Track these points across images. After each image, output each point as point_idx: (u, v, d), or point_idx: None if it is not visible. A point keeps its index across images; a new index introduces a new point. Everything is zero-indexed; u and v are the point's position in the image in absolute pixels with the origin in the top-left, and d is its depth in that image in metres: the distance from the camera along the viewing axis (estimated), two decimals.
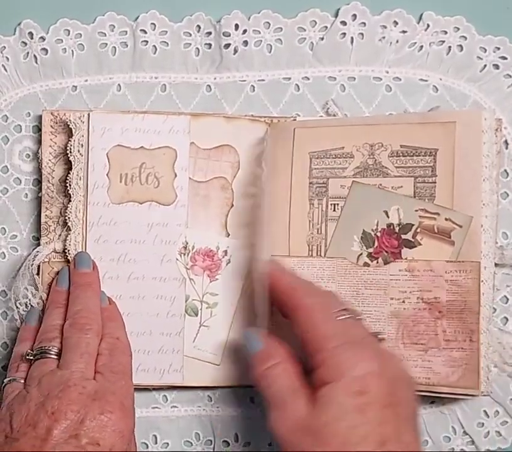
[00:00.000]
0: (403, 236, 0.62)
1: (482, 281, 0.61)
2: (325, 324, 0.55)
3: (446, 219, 0.61)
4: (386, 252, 0.63)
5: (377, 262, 0.63)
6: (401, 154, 0.63)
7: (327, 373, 0.52)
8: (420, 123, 0.62)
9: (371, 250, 0.63)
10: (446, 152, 0.61)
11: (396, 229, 0.63)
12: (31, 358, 0.59)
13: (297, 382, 0.54)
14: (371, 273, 0.64)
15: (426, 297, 0.63)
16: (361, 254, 0.64)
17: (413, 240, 0.62)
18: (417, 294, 0.63)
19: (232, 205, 0.65)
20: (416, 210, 0.62)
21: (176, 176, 0.64)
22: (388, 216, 0.63)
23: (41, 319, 0.63)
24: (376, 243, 0.63)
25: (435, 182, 0.62)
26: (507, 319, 0.67)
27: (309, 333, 0.55)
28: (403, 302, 0.63)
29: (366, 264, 0.63)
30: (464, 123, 0.61)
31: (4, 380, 0.59)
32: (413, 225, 0.62)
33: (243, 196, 0.66)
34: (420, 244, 0.62)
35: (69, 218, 0.63)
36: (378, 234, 0.63)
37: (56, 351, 0.58)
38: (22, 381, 0.58)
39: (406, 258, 0.62)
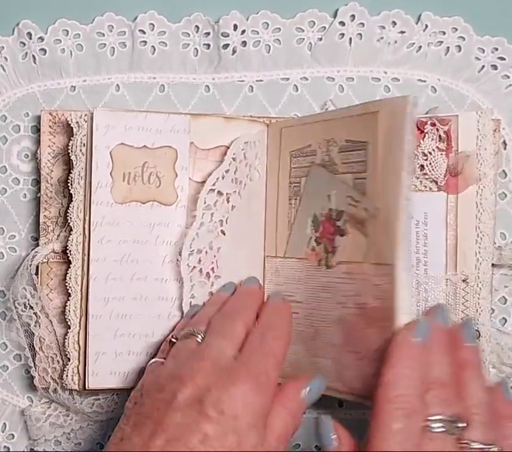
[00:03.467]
0: (337, 223, 0.58)
1: (400, 285, 0.53)
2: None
3: (364, 208, 0.56)
4: (327, 238, 0.60)
5: (317, 249, 0.61)
6: (345, 149, 0.59)
7: None
8: (358, 115, 0.58)
9: (317, 234, 0.61)
10: (373, 145, 0.56)
11: (333, 215, 0.59)
12: (175, 340, 0.58)
13: None
14: (324, 275, 0.60)
15: (359, 302, 0.56)
16: (311, 238, 0.61)
17: (343, 227, 0.58)
18: (352, 298, 0.57)
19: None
20: (347, 197, 0.58)
21: (176, 176, 0.64)
22: (329, 201, 0.60)
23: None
24: (321, 228, 0.60)
25: (365, 178, 0.57)
26: (505, 320, 0.67)
27: None
28: (344, 306, 0.58)
29: (313, 249, 0.61)
30: (387, 113, 0.55)
31: (150, 361, 0.59)
32: (343, 211, 0.58)
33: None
34: (348, 233, 0.57)
35: (70, 218, 0.63)
36: (323, 218, 0.60)
37: (201, 336, 0.57)
38: (163, 360, 0.57)
39: (338, 246, 0.58)
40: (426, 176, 0.62)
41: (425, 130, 0.62)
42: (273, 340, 0.57)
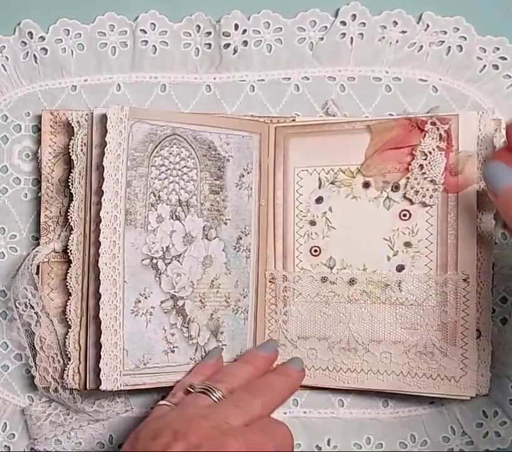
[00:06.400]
0: None
1: None
2: None
3: None
4: None
5: None
6: None
7: None
8: None
9: None
10: None
11: None
12: (192, 390, 0.59)
13: None
14: None
15: None
16: None
17: None
18: None
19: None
20: None
21: None
22: None
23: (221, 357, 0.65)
24: None
25: None
26: (506, 320, 0.66)
27: None
28: None
29: None
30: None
31: (160, 402, 0.60)
32: None
33: None
34: None
35: (71, 217, 0.63)
36: None
37: (219, 395, 0.58)
38: (172, 406, 0.59)
39: None
40: (425, 175, 0.62)
41: (426, 129, 0.62)
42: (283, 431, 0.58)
